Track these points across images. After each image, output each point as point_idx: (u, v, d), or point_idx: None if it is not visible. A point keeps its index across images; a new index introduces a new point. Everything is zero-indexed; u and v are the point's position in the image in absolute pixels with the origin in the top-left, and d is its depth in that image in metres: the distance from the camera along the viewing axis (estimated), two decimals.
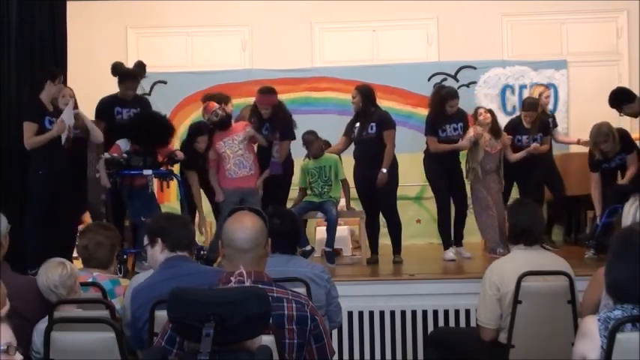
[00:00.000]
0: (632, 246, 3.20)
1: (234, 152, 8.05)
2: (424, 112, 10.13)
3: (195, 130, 8.18)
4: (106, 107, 8.02)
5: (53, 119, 7.22)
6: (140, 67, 8.18)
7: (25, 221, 7.10)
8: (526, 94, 10.53)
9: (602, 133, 8.05)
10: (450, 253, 8.42)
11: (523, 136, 8.90)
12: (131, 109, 8.03)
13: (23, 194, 7.29)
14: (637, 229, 3.30)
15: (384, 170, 8.17)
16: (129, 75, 8.01)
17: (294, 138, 8.36)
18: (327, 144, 8.82)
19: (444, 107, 8.42)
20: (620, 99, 8.14)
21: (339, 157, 8.70)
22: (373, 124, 8.29)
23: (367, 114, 8.33)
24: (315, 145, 8.37)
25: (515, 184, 9.05)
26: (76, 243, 5.59)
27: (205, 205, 8.42)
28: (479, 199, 8.60)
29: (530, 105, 9.03)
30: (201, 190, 8.30)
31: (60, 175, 7.23)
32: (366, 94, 8.36)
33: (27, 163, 7.23)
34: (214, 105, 8.25)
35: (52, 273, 4.34)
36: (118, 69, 7.97)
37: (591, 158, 8.36)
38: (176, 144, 9.68)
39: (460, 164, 8.68)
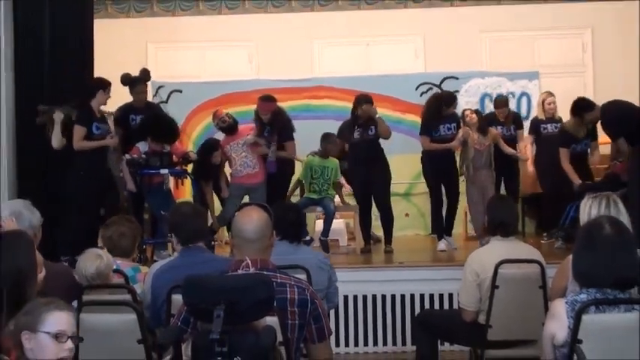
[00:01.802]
0: (594, 239, 3.21)
1: (239, 155, 8.11)
2: (412, 117, 10.17)
3: (210, 146, 8.28)
4: (122, 114, 8.04)
5: (100, 125, 7.32)
6: (145, 72, 8.19)
7: (67, 219, 7.13)
8: None
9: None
10: (442, 244, 8.36)
11: (498, 127, 8.91)
12: (144, 115, 8.05)
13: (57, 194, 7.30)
14: (599, 222, 3.31)
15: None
16: (136, 80, 8.00)
17: (293, 139, 8.30)
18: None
19: (441, 110, 8.32)
20: (583, 107, 8.13)
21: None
22: (372, 127, 8.27)
23: (371, 120, 8.31)
24: (334, 147, 8.39)
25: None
26: (100, 234, 5.57)
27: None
28: (470, 194, 8.52)
29: (501, 102, 9.17)
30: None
31: (100, 177, 7.36)
32: (372, 103, 8.35)
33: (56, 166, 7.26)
34: (222, 112, 8.30)
35: (90, 265, 4.33)
36: (125, 79, 7.96)
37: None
38: (189, 145, 9.73)
39: (455, 163, 8.56)
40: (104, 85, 7.38)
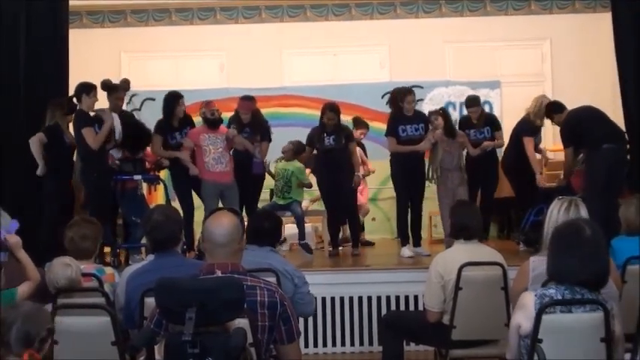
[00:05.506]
0: (578, 240, 3.26)
1: (216, 149, 7.78)
2: (378, 125, 10.18)
3: (173, 97, 8.00)
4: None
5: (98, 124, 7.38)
6: (125, 82, 8.06)
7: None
8: (464, 110, 10.61)
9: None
10: (407, 250, 8.04)
11: (471, 130, 8.49)
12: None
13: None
14: (578, 224, 3.34)
15: (359, 174, 8.29)
16: (115, 87, 7.86)
17: (268, 141, 8.23)
18: (303, 147, 8.60)
19: (402, 105, 8.02)
20: (553, 109, 8.14)
21: None
22: (342, 136, 8.20)
23: (339, 128, 8.25)
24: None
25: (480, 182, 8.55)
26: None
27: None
28: (441, 196, 8.13)
29: (472, 101, 8.70)
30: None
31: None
32: (338, 112, 8.25)
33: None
34: (215, 105, 8.09)
35: (61, 276, 4.28)
36: (105, 85, 7.77)
37: (528, 124, 8.32)
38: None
39: (424, 167, 8.18)
40: (87, 88, 7.30)
